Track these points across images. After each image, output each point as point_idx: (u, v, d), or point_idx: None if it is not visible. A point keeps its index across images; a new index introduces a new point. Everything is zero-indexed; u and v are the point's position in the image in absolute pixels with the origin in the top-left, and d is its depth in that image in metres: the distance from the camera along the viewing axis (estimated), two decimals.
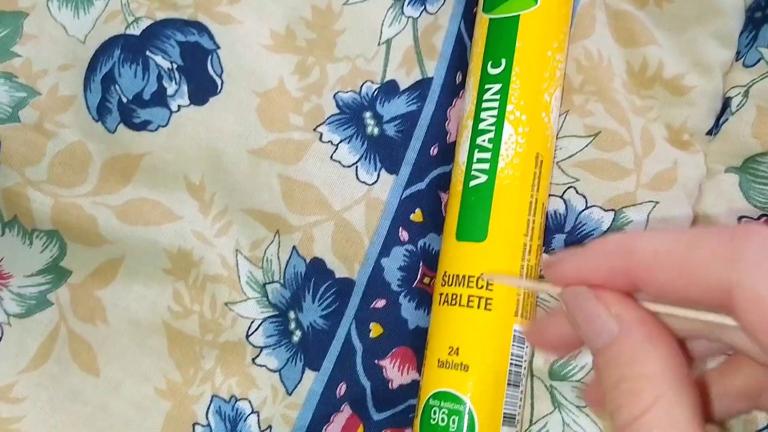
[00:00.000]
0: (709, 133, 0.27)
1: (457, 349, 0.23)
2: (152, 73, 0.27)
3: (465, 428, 0.22)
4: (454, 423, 0.22)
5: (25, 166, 0.27)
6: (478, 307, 0.23)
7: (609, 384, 0.16)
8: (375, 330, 0.25)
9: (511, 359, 0.23)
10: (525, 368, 0.24)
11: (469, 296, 0.23)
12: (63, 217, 0.26)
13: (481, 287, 0.23)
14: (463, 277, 0.23)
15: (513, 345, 0.23)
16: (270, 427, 0.25)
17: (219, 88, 0.27)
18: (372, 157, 0.26)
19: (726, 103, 0.27)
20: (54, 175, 0.27)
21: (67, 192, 0.27)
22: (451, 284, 0.24)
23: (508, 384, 0.23)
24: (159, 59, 0.27)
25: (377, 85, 0.27)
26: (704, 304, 0.15)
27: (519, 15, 0.25)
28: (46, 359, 0.26)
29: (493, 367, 0.23)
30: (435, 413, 0.23)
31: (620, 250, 0.16)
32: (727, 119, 0.27)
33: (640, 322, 0.16)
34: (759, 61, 0.27)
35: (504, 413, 0.23)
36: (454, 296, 0.23)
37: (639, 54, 0.27)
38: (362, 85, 0.27)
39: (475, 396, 0.22)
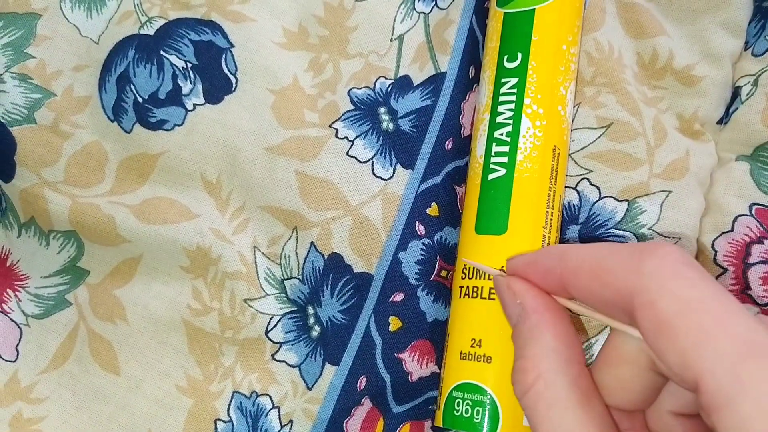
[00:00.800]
0: (720, 122, 0.27)
1: (480, 341, 0.23)
2: (167, 72, 0.27)
3: (489, 419, 0.22)
4: (478, 414, 0.23)
5: (42, 167, 0.27)
6: None
7: (514, 360, 0.18)
8: (394, 323, 0.26)
9: None
10: None
11: (490, 288, 0.23)
12: (80, 218, 0.26)
13: None
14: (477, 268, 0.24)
15: None
16: (291, 421, 0.25)
17: (234, 86, 0.27)
18: (387, 152, 0.26)
19: (736, 92, 0.27)
20: (71, 175, 0.27)
21: (84, 192, 0.27)
22: (472, 277, 0.24)
23: None
24: (173, 58, 0.27)
25: (391, 81, 0.27)
26: (615, 308, 0.16)
27: (534, 9, 0.25)
28: (66, 359, 0.26)
29: None
30: (459, 405, 0.23)
31: (558, 255, 0.18)
32: (737, 108, 0.27)
33: (536, 310, 0.18)
34: (767, 50, 0.27)
35: None
36: (475, 289, 0.23)
37: (649, 45, 0.27)
38: (376, 81, 0.27)
39: (498, 387, 0.23)
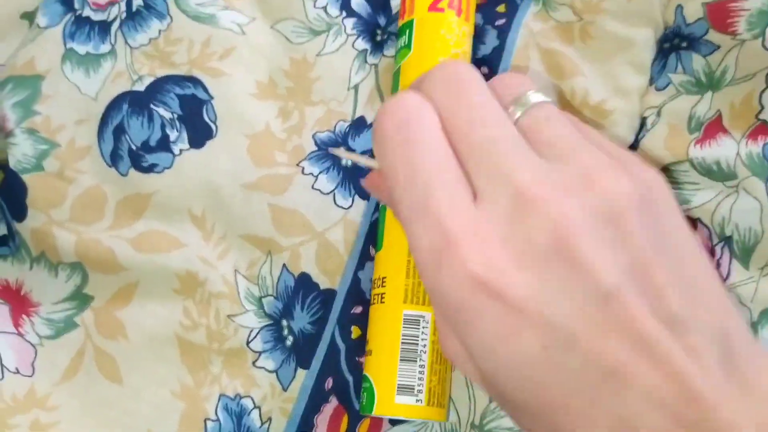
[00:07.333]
0: (632, 147, 0.32)
1: (368, 339, 0.28)
2: (156, 122, 0.31)
3: (371, 401, 0.27)
4: (365, 398, 0.27)
5: (50, 208, 0.31)
6: (379, 302, 0.28)
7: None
8: (355, 332, 0.30)
9: (403, 339, 0.27)
10: (422, 346, 0.27)
11: (374, 295, 0.28)
12: (84, 251, 0.30)
13: (379, 286, 0.28)
14: (372, 280, 0.29)
15: (403, 327, 0.27)
16: (270, 419, 0.29)
17: (214, 132, 0.31)
18: (347, 185, 0.31)
19: (643, 121, 0.32)
20: (75, 214, 0.31)
21: (88, 228, 0.31)
22: (375, 288, 0.29)
23: (401, 360, 0.27)
24: (161, 111, 0.31)
25: (349, 123, 0.32)
26: None
27: (400, 66, 0.30)
28: (75, 373, 0.30)
29: (387, 348, 0.27)
30: (362, 394, 0.28)
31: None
32: (644, 135, 0.31)
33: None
34: (668, 85, 0.32)
35: (399, 384, 0.26)
36: (375, 296, 0.28)
37: (569, 84, 0.32)
38: (336, 125, 0.32)
39: (374, 374, 0.27)
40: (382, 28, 0.33)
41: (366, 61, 0.32)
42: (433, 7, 0.30)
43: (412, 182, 0.19)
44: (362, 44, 0.32)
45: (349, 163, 0.31)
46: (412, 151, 0.19)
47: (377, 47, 0.33)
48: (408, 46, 0.30)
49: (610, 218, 0.17)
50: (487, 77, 0.32)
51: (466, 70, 0.21)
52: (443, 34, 0.29)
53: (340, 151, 0.29)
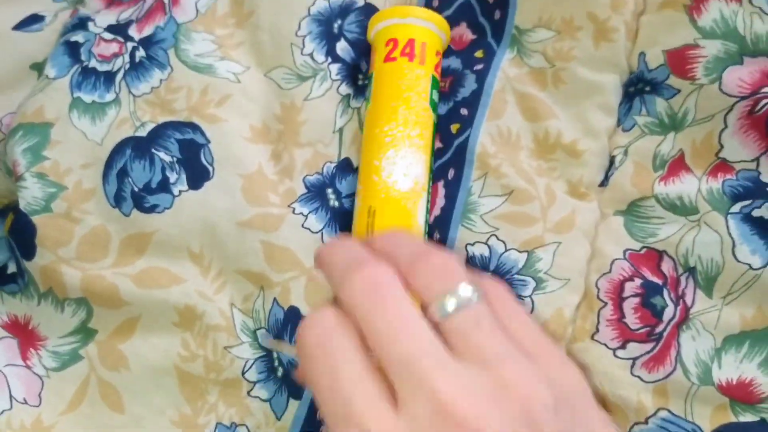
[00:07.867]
0: (601, 184, 0.34)
1: None
2: (157, 166, 0.33)
3: None
4: None
5: (58, 247, 0.33)
6: None
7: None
8: None
9: None
10: None
11: None
12: (89, 287, 0.32)
13: None
14: None
15: None
16: None
17: (211, 174, 0.33)
18: (334, 225, 0.33)
19: (612, 160, 0.34)
20: (81, 252, 0.33)
21: (93, 266, 0.33)
22: None
23: None
24: (162, 154, 0.33)
25: (335, 164, 0.34)
26: None
27: (364, 118, 0.33)
28: (80, 403, 0.32)
29: None
30: None
31: None
32: (612, 173, 0.34)
33: None
34: (634, 126, 0.34)
35: None
36: None
37: (542, 126, 0.34)
38: (324, 166, 0.34)
39: None
40: (363, 73, 0.36)
41: (349, 105, 0.35)
42: (388, 58, 0.33)
43: (334, 394, 0.20)
44: (346, 89, 0.35)
45: (336, 204, 0.33)
46: (332, 365, 0.20)
47: (359, 92, 0.35)
48: (369, 98, 0.33)
49: (527, 423, 0.19)
50: (467, 118, 0.34)
51: (383, 274, 0.22)
52: (395, 81, 0.32)
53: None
